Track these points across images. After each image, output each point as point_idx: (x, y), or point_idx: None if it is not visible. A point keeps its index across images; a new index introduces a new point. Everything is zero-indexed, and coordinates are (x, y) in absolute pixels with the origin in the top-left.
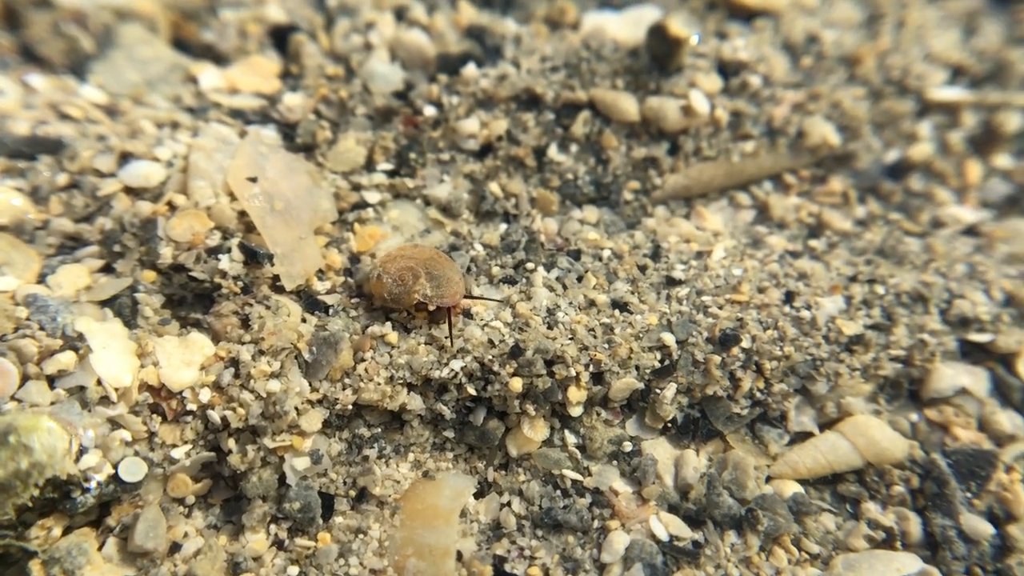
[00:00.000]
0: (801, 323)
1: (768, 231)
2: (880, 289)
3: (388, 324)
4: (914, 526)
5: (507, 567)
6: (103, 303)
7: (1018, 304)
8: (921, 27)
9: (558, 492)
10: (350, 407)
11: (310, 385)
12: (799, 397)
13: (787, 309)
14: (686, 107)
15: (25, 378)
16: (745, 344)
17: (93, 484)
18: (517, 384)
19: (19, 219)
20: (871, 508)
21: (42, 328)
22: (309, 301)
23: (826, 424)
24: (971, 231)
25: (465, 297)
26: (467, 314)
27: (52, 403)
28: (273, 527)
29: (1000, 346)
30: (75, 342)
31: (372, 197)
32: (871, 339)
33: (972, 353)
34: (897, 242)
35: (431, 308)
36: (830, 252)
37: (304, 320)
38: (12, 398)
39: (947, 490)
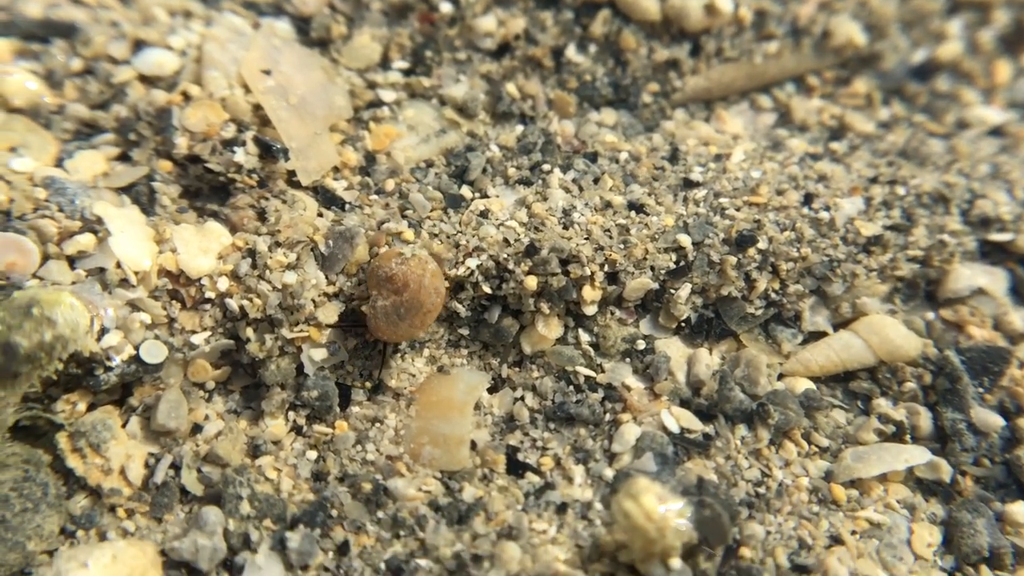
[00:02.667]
0: (819, 224)
1: (789, 134)
2: (901, 190)
3: (404, 222)
4: (924, 420)
5: (520, 456)
6: (120, 190)
7: None
8: None
9: (571, 388)
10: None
11: (326, 278)
12: (814, 298)
13: (805, 211)
14: (709, 5)
15: (46, 257)
16: (762, 245)
17: (115, 363)
18: (532, 283)
19: (34, 102)
20: (882, 404)
21: (61, 210)
22: (325, 197)
23: (840, 324)
24: (997, 132)
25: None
26: (483, 214)
27: (73, 283)
28: (292, 414)
29: (1021, 245)
30: (94, 225)
31: (387, 96)
32: (889, 240)
33: (991, 253)
34: (920, 143)
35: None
36: (851, 154)
37: (320, 215)
38: (34, 276)
39: (959, 385)
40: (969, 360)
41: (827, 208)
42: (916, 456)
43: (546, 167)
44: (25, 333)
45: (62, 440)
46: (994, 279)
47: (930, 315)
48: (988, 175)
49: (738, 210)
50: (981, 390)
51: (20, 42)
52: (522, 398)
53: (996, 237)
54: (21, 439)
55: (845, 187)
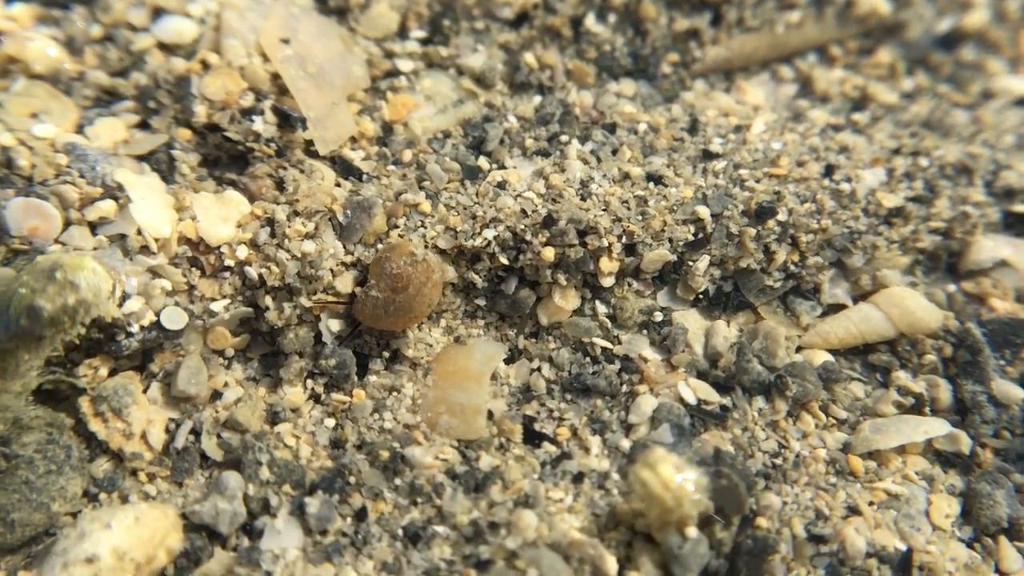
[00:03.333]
0: (840, 196)
1: (810, 105)
2: (924, 161)
3: (422, 193)
4: (944, 392)
5: (536, 426)
6: (140, 157)
7: None
8: None
9: (587, 359)
10: None
11: (344, 247)
12: (833, 270)
13: (826, 182)
14: None
15: (68, 223)
16: (781, 217)
17: (136, 329)
18: (549, 254)
19: (55, 69)
20: (901, 376)
21: (82, 176)
22: (343, 167)
23: (860, 296)
24: (1023, 102)
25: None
26: (500, 185)
27: (95, 249)
28: (310, 382)
29: None
30: (115, 191)
31: (405, 65)
32: (911, 211)
33: (1015, 225)
34: (944, 114)
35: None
36: (874, 125)
37: (338, 185)
38: (56, 241)
39: (980, 358)
40: (991, 332)
41: (848, 180)
42: (935, 428)
43: (564, 138)
44: (49, 297)
45: (84, 404)
46: (1018, 251)
47: (951, 287)
48: (1013, 146)
49: (758, 182)
50: (1002, 362)
51: (41, 8)
52: (539, 369)
53: (1021, 208)
54: (44, 403)
55: (867, 158)
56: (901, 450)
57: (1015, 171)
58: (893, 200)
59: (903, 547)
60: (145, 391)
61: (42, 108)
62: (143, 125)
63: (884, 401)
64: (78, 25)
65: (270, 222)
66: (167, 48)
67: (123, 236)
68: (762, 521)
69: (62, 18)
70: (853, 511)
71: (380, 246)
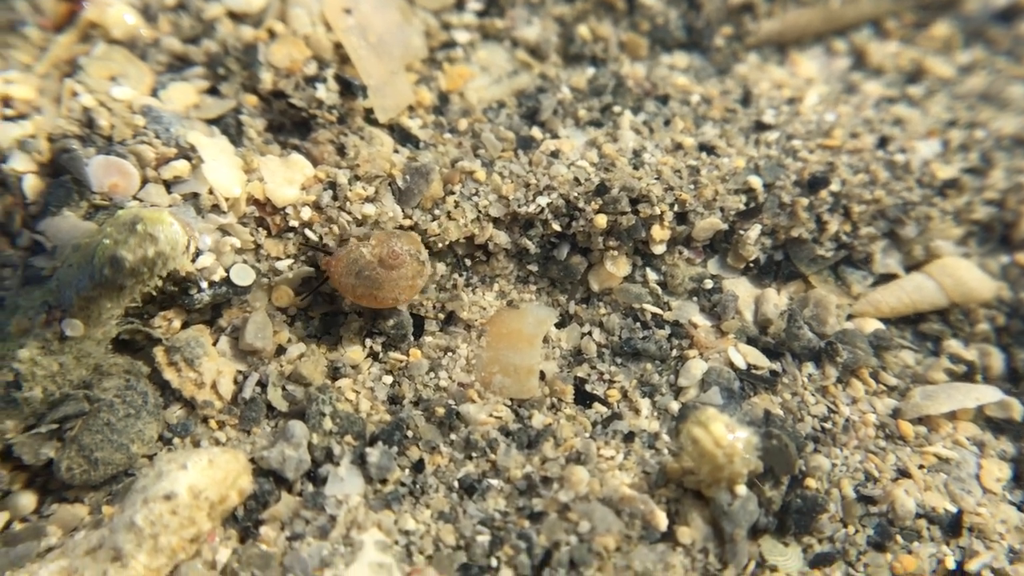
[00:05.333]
0: (894, 167)
1: (864, 78)
2: (979, 133)
3: (477, 161)
4: (996, 361)
5: (587, 388)
6: (210, 121)
7: None
8: None
9: (638, 324)
10: (439, 243)
11: (403, 211)
12: (886, 240)
13: (880, 153)
14: None
15: (145, 181)
16: (834, 187)
17: (207, 283)
18: (601, 221)
19: (132, 35)
20: (953, 344)
21: (158, 137)
22: (401, 134)
23: (912, 266)
24: None
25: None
26: (553, 154)
27: (169, 206)
28: (368, 341)
29: None
30: (188, 152)
31: (461, 37)
32: (966, 183)
33: None
34: (1001, 87)
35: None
36: (929, 98)
37: (396, 152)
38: (134, 197)
39: None
40: None
41: (903, 151)
42: (987, 395)
43: (617, 109)
44: (130, 248)
45: (159, 354)
46: None
47: (1005, 259)
48: None
49: (811, 152)
50: None
51: None
52: (589, 333)
53: None
54: (121, 352)
55: (922, 130)
56: (952, 416)
57: None
58: (948, 171)
59: (953, 508)
60: (215, 344)
61: (120, 72)
62: (212, 91)
63: (935, 368)
64: None
65: (332, 185)
66: (236, 17)
67: (196, 195)
68: (811, 482)
69: None
70: (903, 474)
71: (436, 210)
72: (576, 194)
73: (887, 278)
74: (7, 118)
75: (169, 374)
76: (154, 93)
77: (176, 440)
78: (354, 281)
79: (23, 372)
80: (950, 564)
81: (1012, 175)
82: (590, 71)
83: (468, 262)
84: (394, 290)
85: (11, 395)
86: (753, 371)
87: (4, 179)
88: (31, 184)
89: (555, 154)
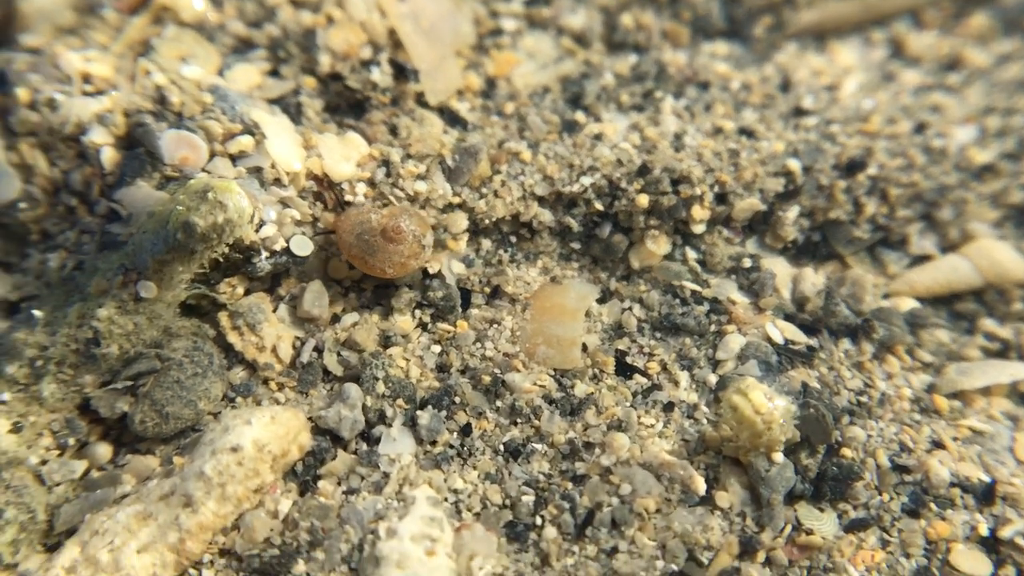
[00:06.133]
0: (931, 152)
1: (902, 66)
2: (1017, 120)
3: (523, 142)
4: None
5: (628, 360)
6: (272, 101)
7: None
8: None
9: (677, 300)
10: (487, 220)
11: (452, 189)
12: (922, 223)
13: (917, 139)
14: None
15: (212, 154)
16: (872, 171)
17: (269, 253)
18: (643, 201)
19: (200, 19)
20: (988, 323)
21: (224, 113)
22: (450, 116)
23: (948, 248)
24: None
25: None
26: (596, 137)
27: (235, 178)
28: (418, 312)
29: None
30: (252, 128)
31: (509, 24)
32: (1003, 168)
33: None
34: None
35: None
36: (967, 86)
37: (446, 132)
38: (202, 170)
39: None
40: None
41: (940, 136)
42: (1021, 371)
43: (658, 94)
44: (201, 214)
45: (223, 318)
46: None
47: None
48: None
49: (849, 137)
50: None
51: None
52: (630, 308)
53: None
54: (188, 316)
55: (959, 116)
56: (986, 391)
57: None
58: (984, 156)
59: (987, 478)
60: (275, 310)
61: (189, 53)
62: (274, 72)
63: (970, 346)
64: None
65: (386, 163)
66: (297, 3)
67: (259, 169)
68: (847, 451)
69: None
70: (937, 445)
71: (483, 189)
72: (618, 175)
73: (923, 259)
74: (87, 94)
75: (232, 337)
76: (220, 73)
77: (239, 399)
78: (353, 240)
79: (101, 330)
80: (983, 531)
81: None
82: (633, 58)
83: (513, 239)
84: (385, 262)
85: (90, 351)
86: (791, 346)
87: (84, 151)
88: (108, 156)
89: (598, 137)
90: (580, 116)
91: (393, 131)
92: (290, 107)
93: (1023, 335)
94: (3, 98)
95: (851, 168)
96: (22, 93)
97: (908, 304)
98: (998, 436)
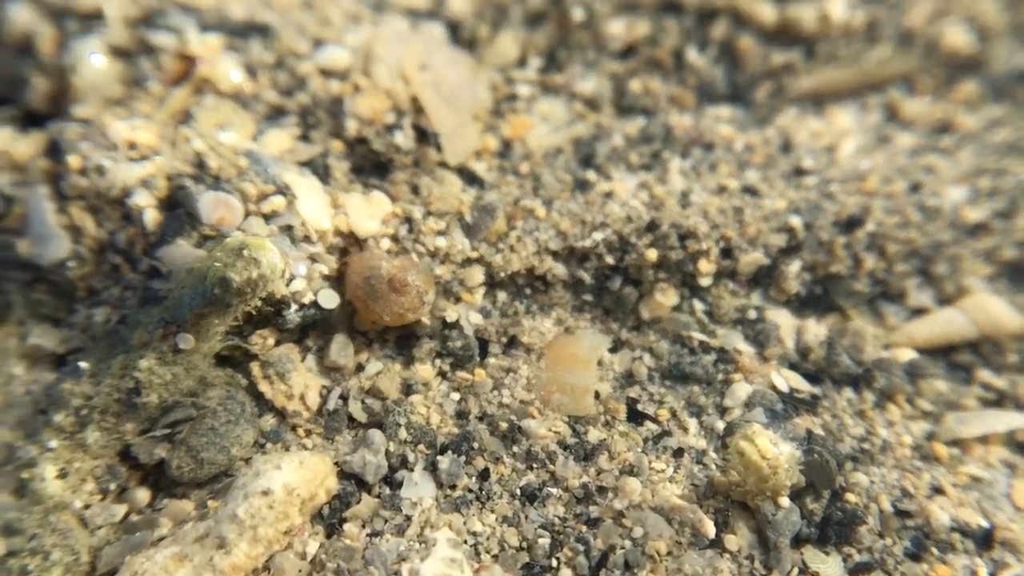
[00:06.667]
0: (926, 210)
1: (897, 130)
2: (1007, 180)
3: (537, 200)
4: None
5: (639, 407)
6: (302, 163)
7: None
8: None
9: (685, 350)
10: (503, 274)
11: (470, 244)
12: (919, 277)
13: (913, 198)
14: (823, 15)
15: (247, 214)
16: (870, 227)
17: (298, 306)
18: (652, 255)
19: (237, 89)
20: (984, 374)
21: (258, 175)
22: (468, 176)
23: (945, 302)
24: None
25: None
26: (607, 195)
27: (268, 236)
28: (438, 361)
29: None
30: (284, 190)
31: (524, 90)
32: (995, 225)
33: None
34: None
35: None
36: (959, 148)
37: (464, 191)
38: (238, 228)
39: None
40: None
41: (934, 195)
42: (1017, 420)
43: (666, 155)
44: (237, 270)
45: (255, 368)
46: None
47: None
48: None
49: (848, 196)
50: None
51: (228, 38)
52: (640, 358)
53: None
54: (223, 366)
55: (952, 177)
56: (984, 439)
57: None
58: (977, 215)
59: (986, 524)
60: (303, 360)
61: (226, 120)
62: (304, 137)
63: (967, 395)
64: (255, 53)
65: (408, 220)
66: (325, 72)
67: (290, 227)
68: (850, 496)
69: (243, 47)
70: (937, 491)
71: (500, 244)
72: (628, 230)
73: (921, 312)
74: (132, 160)
75: (263, 386)
76: (255, 138)
77: (269, 445)
78: (360, 282)
79: (142, 380)
80: (983, 575)
81: None
82: (641, 121)
83: (528, 291)
84: (385, 310)
85: (132, 400)
86: (795, 394)
87: (128, 212)
88: (151, 217)
89: (609, 195)
90: (591, 175)
91: (415, 190)
92: (319, 169)
93: (1018, 386)
94: (56, 165)
95: (850, 225)
96: (73, 160)
97: (907, 355)
98: (996, 483)
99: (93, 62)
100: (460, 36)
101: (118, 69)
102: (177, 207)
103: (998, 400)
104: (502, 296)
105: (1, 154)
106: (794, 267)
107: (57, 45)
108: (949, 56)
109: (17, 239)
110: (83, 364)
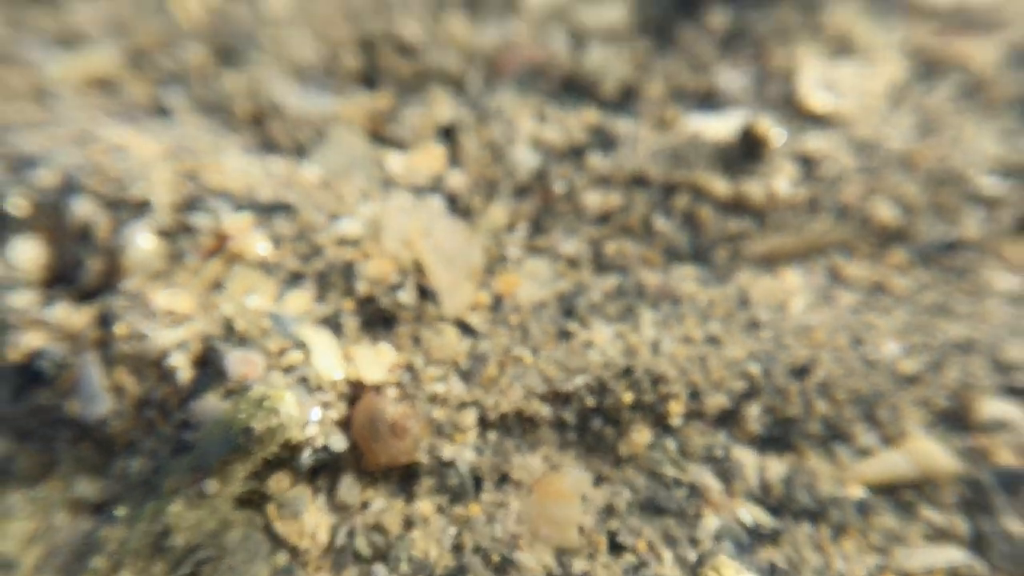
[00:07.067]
0: (868, 362)
1: (840, 289)
2: (936, 337)
3: (526, 349)
4: (962, 527)
5: (619, 539)
6: (318, 321)
7: None
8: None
9: (660, 485)
10: (495, 415)
11: (466, 389)
12: (866, 422)
13: (856, 351)
14: (770, 191)
15: (268, 368)
16: (819, 376)
17: (311, 450)
18: (628, 398)
19: (264, 260)
20: (927, 512)
21: (279, 334)
22: (464, 328)
23: (889, 443)
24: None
25: None
26: (587, 344)
27: (287, 387)
28: (436, 497)
29: None
30: (301, 346)
31: (513, 252)
32: (927, 377)
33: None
34: (951, 302)
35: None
36: (894, 308)
37: (460, 341)
38: (260, 382)
39: (993, 500)
40: (1000, 478)
41: (874, 348)
42: (958, 557)
43: (638, 308)
44: (259, 420)
45: (270, 509)
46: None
47: (965, 441)
48: (1007, 328)
49: (800, 347)
50: (1013, 504)
51: (256, 216)
52: (620, 492)
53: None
54: (241, 507)
55: (889, 332)
56: (929, 573)
57: (1014, 349)
58: (911, 367)
59: None
60: (313, 500)
61: (252, 287)
62: (319, 297)
63: (913, 531)
64: (279, 227)
65: (410, 368)
66: (340, 241)
67: (306, 379)
68: None
69: (268, 223)
70: None
71: (492, 388)
72: (607, 376)
73: (868, 453)
74: (169, 325)
75: (278, 526)
76: (276, 301)
77: None
78: (365, 421)
79: (172, 524)
80: None
81: (964, 373)
82: (616, 278)
83: (518, 431)
84: (382, 452)
85: (161, 543)
86: (759, 528)
87: (164, 372)
88: (183, 375)
89: (589, 343)
90: (573, 326)
91: (417, 341)
92: (332, 325)
93: (956, 524)
94: (104, 333)
95: (801, 373)
96: (119, 329)
97: (859, 492)
98: None
99: (140, 243)
100: (457, 207)
101: (161, 248)
102: (207, 365)
103: (940, 536)
104: (492, 436)
105: (59, 327)
106: (754, 410)
107: (111, 231)
108: (880, 228)
109: (66, 400)
110: (118, 512)
